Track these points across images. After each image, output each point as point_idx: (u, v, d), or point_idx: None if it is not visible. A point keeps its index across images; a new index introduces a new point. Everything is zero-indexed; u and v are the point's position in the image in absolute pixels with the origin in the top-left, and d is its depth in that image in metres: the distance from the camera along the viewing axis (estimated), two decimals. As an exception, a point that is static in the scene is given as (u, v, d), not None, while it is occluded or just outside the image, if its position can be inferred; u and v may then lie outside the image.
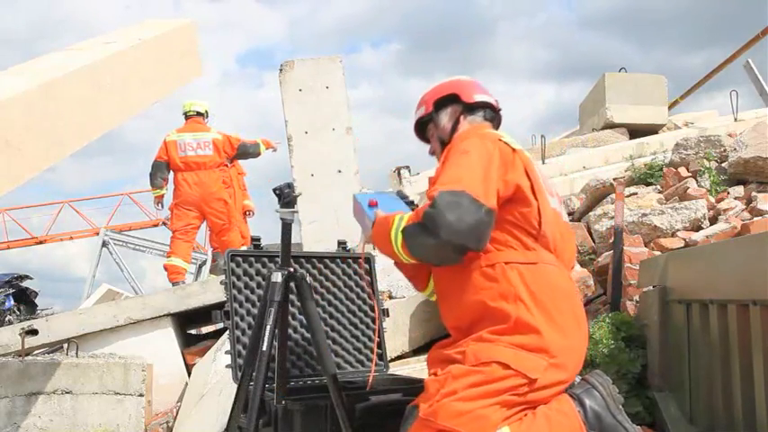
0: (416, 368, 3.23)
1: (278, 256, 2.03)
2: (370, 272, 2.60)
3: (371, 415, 2.02)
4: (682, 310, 2.56)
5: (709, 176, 3.93)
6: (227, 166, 6.10)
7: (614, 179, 4.49)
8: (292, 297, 2.01)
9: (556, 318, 1.70)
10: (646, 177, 4.49)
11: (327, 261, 2.54)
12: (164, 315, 4.56)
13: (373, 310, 2.57)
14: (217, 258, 7.77)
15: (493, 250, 1.74)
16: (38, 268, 25.72)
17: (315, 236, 4.87)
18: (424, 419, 1.64)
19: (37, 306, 10.27)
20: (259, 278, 2.36)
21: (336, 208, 4.73)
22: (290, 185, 1.92)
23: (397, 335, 3.60)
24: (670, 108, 8.57)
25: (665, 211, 3.50)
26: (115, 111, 3.89)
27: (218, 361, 3.83)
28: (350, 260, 2.60)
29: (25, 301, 10.09)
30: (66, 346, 4.48)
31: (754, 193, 3.55)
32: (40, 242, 17.34)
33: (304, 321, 2.22)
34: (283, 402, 2.01)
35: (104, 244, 14.48)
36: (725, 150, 4.11)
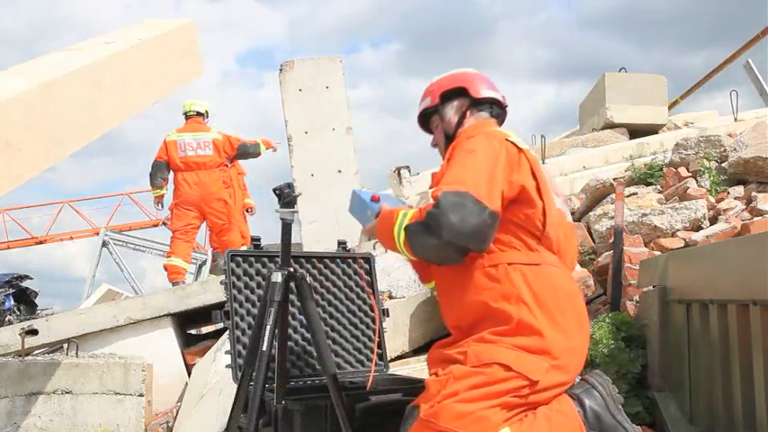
0: (416, 368, 3.22)
1: (278, 256, 2.03)
2: (370, 272, 2.60)
3: (371, 415, 2.02)
4: (682, 310, 2.56)
5: (710, 176, 3.93)
6: (227, 166, 6.10)
7: (614, 179, 4.49)
8: (292, 297, 2.01)
9: (558, 319, 1.69)
10: (646, 177, 4.49)
11: (327, 261, 2.54)
12: (164, 315, 4.56)
13: (373, 310, 2.57)
14: (217, 258, 7.77)
15: (496, 251, 1.73)
16: (38, 268, 25.75)
17: (315, 236, 4.88)
18: (424, 420, 1.64)
19: (37, 306, 10.26)
20: (259, 278, 2.36)
21: (336, 208, 4.73)
22: (290, 185, 1.92)
23: (397, 335, 3.60)
24: (670, 108, 8.56)
25: (665, 211, 3.50)
26: (115, 111, 3.89)
27: (218, 361, 3.83)
28: (350, 260, 2.59)
29: (25, 301, 10.09)
30: (66, 346, 4.48)
31: (754, 193, 3.54)
32: (40, 242, 17.35)
33: (304, 321, 2.22)
34: (283, 402, 2.01)
35: (104, 244, 14.49)
36: (725, 150, 4.11)
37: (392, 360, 3.31)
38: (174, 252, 6.04)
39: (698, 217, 3.45)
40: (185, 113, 6.15)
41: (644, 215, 3.50)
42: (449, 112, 2.00)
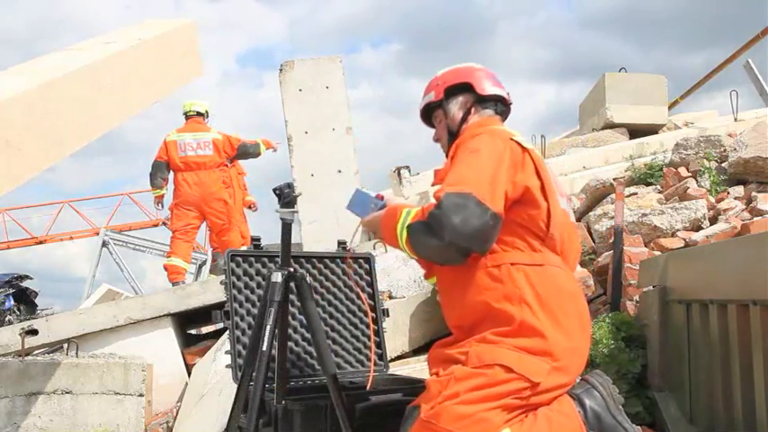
0: (416, 368, 3.23)
1: (278, 256, 2.02)
2: (370, 272, 2.60)
3: (371, 415, 2.02)
4: (682, 310, 2.56)
5: (710, 176, 3.93)
6: (227, 166, 6.10)
7: (614, 179, 4.48)
8: (292, 297, 2.00)
9: (561, 320, 1.68)
10: (646, 177, 4.49)
11: (327, 261, 2.54)
12: (164, 315, 4.56)
13: (373, 310, 2.57)
14: (217, 258, 7.78)
15: (499, 251, 1.72)
16: (38, 268, 25.74)
17: (315, 236, 4.88)
18: (425, 421, 1.63)
19: (37, 306, 10.26)
20: (259, 278, 2.36)
21: (336, 208, 4.73)
22: (290, 185, 1.92)
23: (397, 335, 3.60)
24: (670, 108, 8.57)
25: (665, 211, 3.50)
26: (115, 111, 3.89)
27: (218, 361, 3.83)
28: (350, 260, 2.59)
29: (25, 301, 10.09)
30: (66, 346, 4.48)
31: (754, 193, 3.54)
32: (40, 242, 17.34)
33: (304, 321, 2.22)
34: (283, 402, 2.01)
35: (104, 244, 14.49)
36: (725, 150, 4.11)
37: (392, 360, 3.31)
38: (173, 252, 6.04)
39: (698, 217, 3.45)
40: (185, 113, 6.16)
41: (644, 215, 3.50)
42: (453, 107, 1.97)
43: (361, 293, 2.38)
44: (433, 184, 1.95)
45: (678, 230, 3.42)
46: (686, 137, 4.55)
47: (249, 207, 6.74)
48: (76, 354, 4.35)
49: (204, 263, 12.42)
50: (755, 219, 3.25)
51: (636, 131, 7.79)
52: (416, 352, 3.65)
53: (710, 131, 5.41)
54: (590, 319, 1.85)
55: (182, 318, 4.76)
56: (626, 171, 4.99)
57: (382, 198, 1.92)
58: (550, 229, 1.74)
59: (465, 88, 1.96)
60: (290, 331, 2.29)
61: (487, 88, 1.96)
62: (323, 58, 5.33)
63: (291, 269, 1.96)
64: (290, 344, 2.32)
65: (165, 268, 6.05)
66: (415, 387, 2.11)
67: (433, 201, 1.67)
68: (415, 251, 1.71)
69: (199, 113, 6.14)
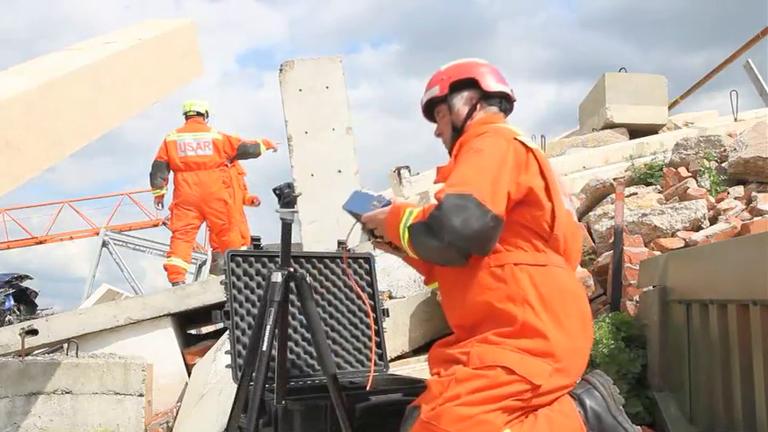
0: (416, 368, 3.23)
1: (278, 256, 2.02)
2: (370, 272, 2.60)
3: (371, 415, 2.02)
4: (682, 310, 2.56)
5: (710, 176, 3.92)
6: (227, 166, 6.10)
7: (614, 179, 4.48)
8: (292, 297, 2.00)
9: (563, 321, 1.68)
10: (646, 177, 4.49)
11: (327, 261, 2.53)
12: (164, 315, 4.57)
13: (373, 310, 2.57)
14: (217, 258, 7.78)
15: (502, 250, 1.71)
16: (38, 268, 25.73)
17: (315, 236, 4.88)
18: (425, 422, 1.63)
19: (37, 306, 10.26)
20: (259, 278, 2.36)
21: (336, 208, 4.72)
22: (290, 185, 1.92)
23: (397, 335, 3.60)
24: (670, 108, 8.56)
25: (665, 211, 3.50)
26: (115, 111, 3.90)
27: (218, 361, 3.83)
28: (350, 260, 2.59)
29: (25, 301, 10.08)
30: (66, 346, 4.48)
31: (754, 193, 3.54)
32: (40, 242, 17.34)
33: (304, 321, 2.22)
34: (283, 402, 2.01)
35: (104, 244, 14.49)
36: (725, 150, 4.11)
37: (392, 360, 3.31)
38: (173, 252, 6.04)
39: (698, 217, 3.45)
40: (185, 113, 6.16)
41: (644, 215, 3.50)
42: (458, 102, 1.94)
43: (361, 293, 2.37)
44: (435, 182, 1.94)
45: (678, 230, 3.42)
46: (686, 137, 4.55)
47: (252, 202, 6.74)
48: (76, 354, 4.35)
49: (204, 263, 12.41)
50: (755, 219, 3.25)
51: (636, 131, 7.78)
52: (416, 352, 3.65)
53: (710, 131, 5.41)
54: (592, 319, 1.85)
55: (182, 318, 4.76)
56: (626, 171, 4.99)
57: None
58: (554, 229, 1.73)
59: (470, 84, 1.94)
60: (290, 331, 2.29)
61: (493, 85, 1.94)
62: (323, 58, 5.33)
63: (291, 269, 1.96)
64: (290, 344, 2.31)
65: (165, 268, 6.05)
66: (415, 387, 2.11)
67: (434, 201, 1.66)
68: (417, 251, 1.70)
69: (199, 113, 6.15)
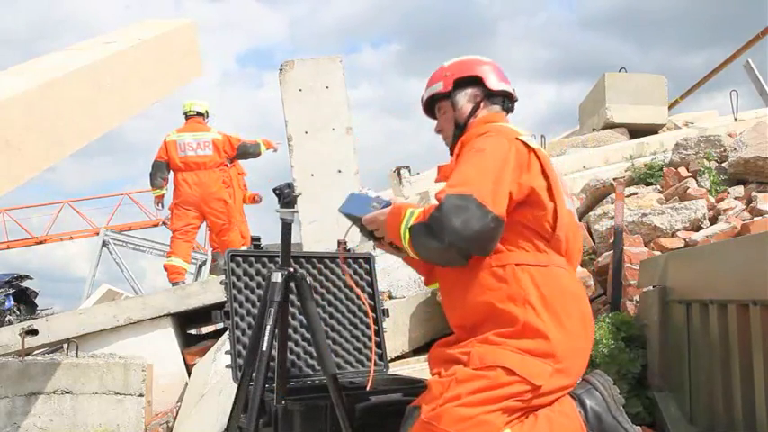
0: (416, 368, 3.23)
1: (278, 256, 2.02)
2: (370, 272, 2.60)
3: (371, 415, 2.02)
4: (682, 310, 2.56)
5: (710, 176, 3.92)
6: (227, 166, 6.11)
7: (614, 179, 4.48)
8: (292, 297, 2.00)
9: (565, 322, 1.67)
10: (646, 177, 4.49)
11: (327, 261, 2.53)
12: (164, 315, 4.57)
13: (373, 310, 2.57)
14: (217, 258, 7.78)
15: (504, 250, 1.71)
16: (38, 268, 25.73)
17: (315, 236, 4.87)
18: (425, 422, 1.63)
19: (37, 306, 10.26)
20: (259, 278, 2.36)
21: (336, 208, 4.73)
22: (290, 185, 1.92)
23: (397, 335, 3.60)
24: (670, 108, 8.56)
25: (665, 211, 3.50)
26: (115, 111, 3.90)
27: (218, 361, 3.83)
28: (350, 260, 2.59)
29: (25, 301, 10.08)
30: (66, 346, 4.48)
31: (754, 193, 3.54)
32: (40, 242, 17.34)
33: (304, 321, 2.22)
34: (283, 402, 2.01)
35: (104, 244, 14.48)
36: (725, 150, 4.11)
37: (392, 360, 3.31)
38: (173, 252, 6.04)
39: (698, 217, 3.45)
40: (185, 113, 6.16)
41: (644, 215, 3.50)
42: (461, 99, 1.93)
43: (357, 290, 2.38)
44: (436, 181, 1.93)
45: (678, 230, 3.42)
46: (686, 137, 4.55)
47: (253, 200, 6.75)
48: (76, 354, 4.35)
49: (204, 263, 12.41)
50: (755, 219, 3.25)
51: (636, 131, 7.78)
52: (416, 352, 3.65)
53: (710, 131, 5.41)
54: (593, 319, 1.84)
55: (182, 318, 4.76)
56: (626, 171, 4.99)
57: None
58: (556, 230, 1.73)
59: (474, 81, 1.93)
60: (290, 331, 2.29)
61: (497, 84, 1.94)
62: (323, 58, 5.33)
63: (291, 269, 1.96)
64: (290, 344, 2.32)
65: (165, 268, 6.05)
66: (415, 387, 2.11)
67: (435, 201, 1.66)
68: (417, 252, 1.70)
69: (199, 113, 6.15)
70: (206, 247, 11.37)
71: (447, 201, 1.59)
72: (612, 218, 3.71)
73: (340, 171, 5.10)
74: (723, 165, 4.02)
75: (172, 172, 6.03)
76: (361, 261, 2.61)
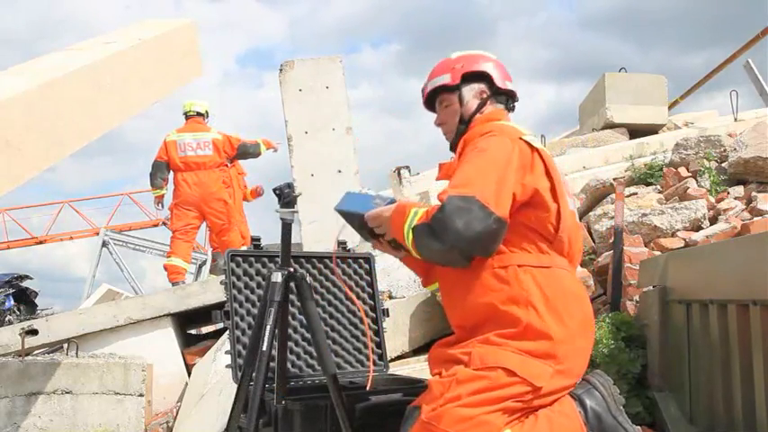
0: (416, 368, 3.23)
1: (278, 256, 2.02)
2: (370, 272, 2.60)
3: (371, 415, 2.02)
4: (682, 310, 2.56)
5: (710, 176, 3.92)
6: (227, 166, 6.11)
7: (614, 179, 4.48)
8: (292, 297, 2.00)
9: (567, 322, 1.67)
10: (646, 177, 4.49)
11: (327, 261, 2.54)
12: (164, 315, 4.57)
13: (373, 310, 2.57)
14: (217, 258, 7.78)
15: (506, 251, 1.70)
16: (38, 268, 25.73)
17: (315, 236, 4.87)
18: (425, 423, 1.62)
19: (37, 306, 10.26)
20: (259, 278, 2.36)
21: (336, 208, 4.73)
22: (290, 185, 1.91)
23: (397, 335, 3.60)
24: (670, 108, 8.56)
25: (665, 211, 3.50)
26: (115, 111, 3.90)
27: (218, 361, 3.83)
28: (350, 260, 2.59)
29: (25, 301, 10.08)
30: (66, 346, 4.48)
31: (754, 193, 3.54)
32: (40, 242, 17.34)
33: (304, 321, 2.22)
34: (283, 402, 2.01)
35: (104, 244, 14.47)
36: (725, 150, 4.11)
37: (392, 360, 3.31)
38: (174, 252, 6.04)
39: (698, 217, 3.45)
40: (185, 113, 6.16)
41: (644, 215, 3.50)
42: (468, 94, 1.91)
43: (349, 292, 2.37)
44: (437, 179, 1.92)
45: (678, 230, 3.42)
46: (686, 137, 4.55)
47: (256, 193, 6.77)
48: (76, 354, 4.35)
49: (204, 263, 12.41)
50: (755, 219, 3.25)
51: (636, 131, 7.78)
52: (416, 352, 3.65)
53: (710, 131, 5.40)
54: (594, 320, 1.84)
55: (182, 318, 4.76)
56: (626, 171, 4.99)
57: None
58: (559, 231, 1.72)
59: (482, 77, 1.92)
60: (290, 331, 2.29)
61: (504, 82, 1.93)
62: (323, 58, 5.33)
63: (291, 269, 1.96)
64: (290, 344, 2.32)
65: (165, 268, 6.05)
66: (415, 387, 2.11)
67: (437, 202, 1.65)
68: (420, 253, 1.69)
69: (199, 113, 6.15)
70: (206, 247, 11.38)
71: (449, 202, 1.58)
72: (612, 218, 3.71)
73: (340, 171, 5.10)
74: (723, 165, 4.02)
75: (172, 172, 6.03)
76: (361, 261, 2.61)
